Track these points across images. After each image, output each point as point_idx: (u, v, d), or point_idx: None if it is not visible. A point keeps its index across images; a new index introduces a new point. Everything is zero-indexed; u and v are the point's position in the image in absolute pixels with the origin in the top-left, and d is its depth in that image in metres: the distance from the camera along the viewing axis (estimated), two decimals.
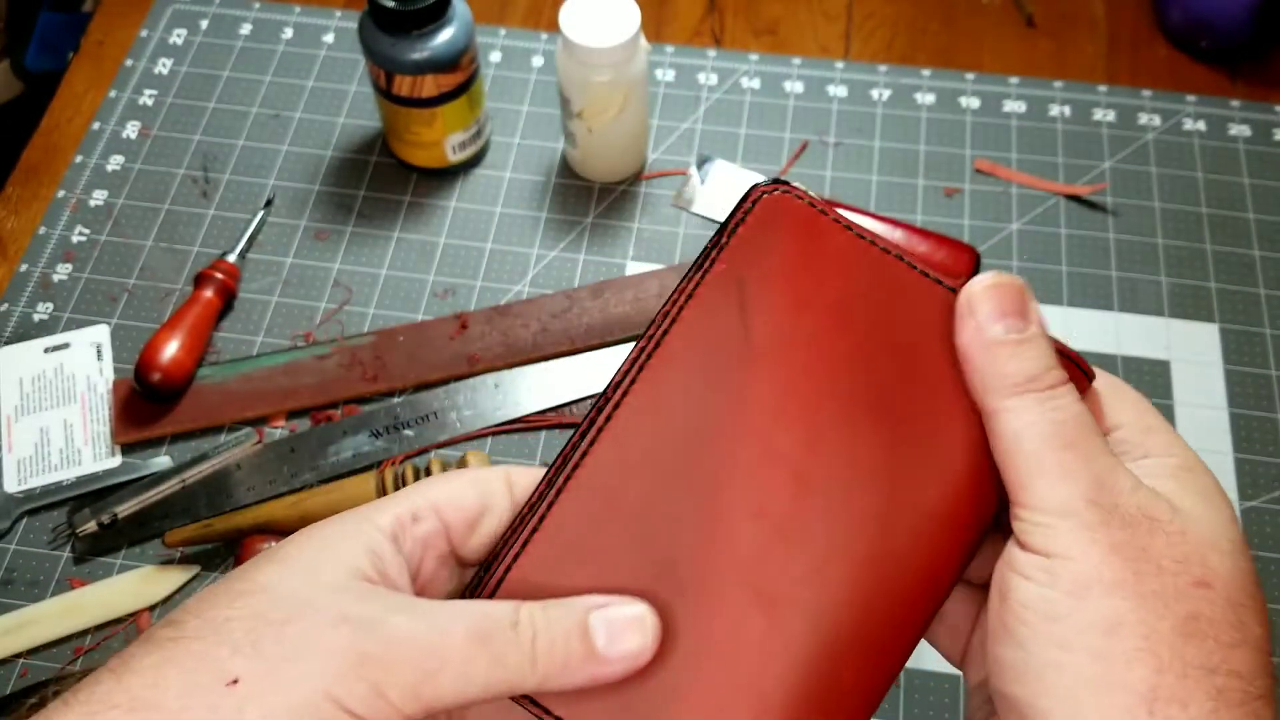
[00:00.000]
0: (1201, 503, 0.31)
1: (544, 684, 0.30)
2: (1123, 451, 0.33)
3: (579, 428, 0.33)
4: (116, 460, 0.67)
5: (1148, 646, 0.28)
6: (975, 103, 0.81)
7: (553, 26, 0.85)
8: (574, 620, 0.30)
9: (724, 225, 0.34)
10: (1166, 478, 0.31)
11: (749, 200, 0.34)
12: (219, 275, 0.71)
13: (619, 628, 0.30)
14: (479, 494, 0.33)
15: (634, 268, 0.74)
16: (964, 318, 0.32)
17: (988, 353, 0.32)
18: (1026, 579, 0.30)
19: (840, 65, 0.83)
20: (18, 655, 0.61)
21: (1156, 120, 0.80)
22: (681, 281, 0.34)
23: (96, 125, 0.80)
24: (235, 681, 0.27)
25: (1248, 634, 0.29)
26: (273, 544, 0.60)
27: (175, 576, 0.62)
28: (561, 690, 0.30)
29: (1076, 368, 0.33)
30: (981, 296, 0.32)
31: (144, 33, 0.85)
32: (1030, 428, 0.31)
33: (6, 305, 0.72)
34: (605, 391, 0.33)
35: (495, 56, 0.83)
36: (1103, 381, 0.34)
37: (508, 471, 0.34)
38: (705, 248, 0.34)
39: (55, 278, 0.73)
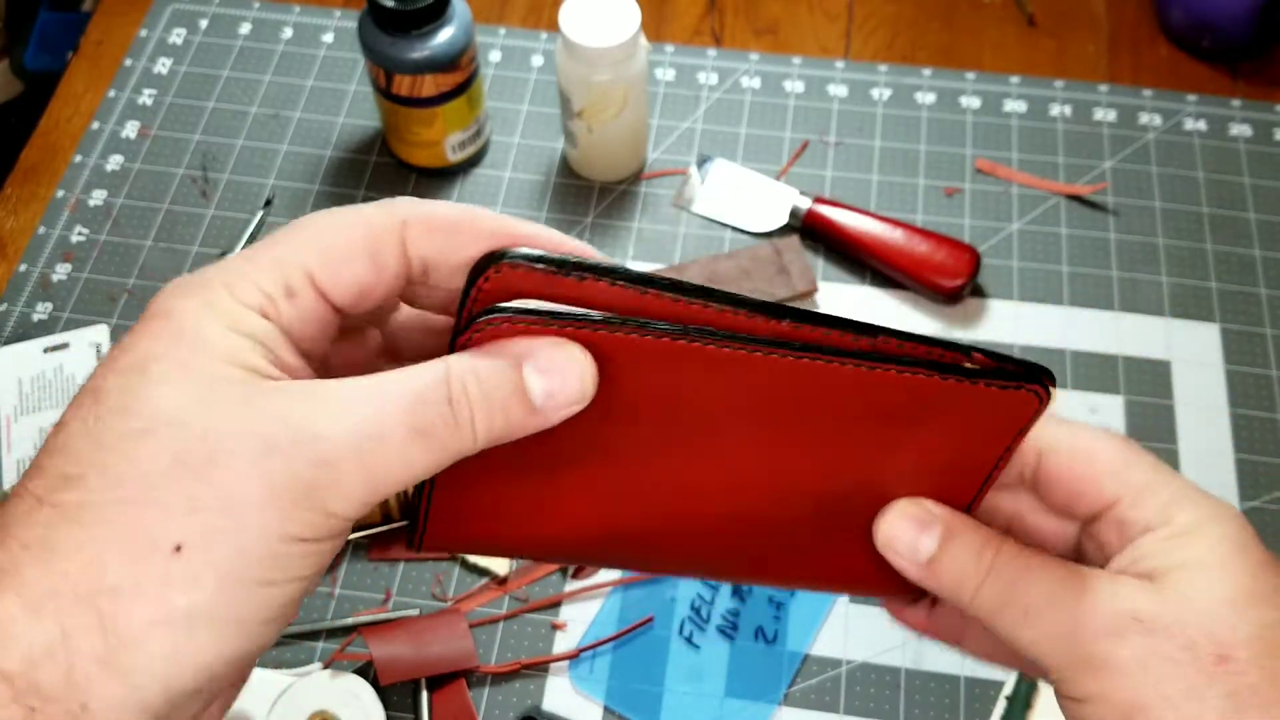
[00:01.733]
0: (1204, 566, 0.31)
1: (484, 447, 0.28)
2: (1131, 524, 0.33)
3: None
4: None
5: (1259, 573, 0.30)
6: (976, 102, 0.81)
7: (552, 26, 0.85)
8: (510, 383, 0.28)
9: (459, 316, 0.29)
10: (1172, 550, 0.32)
11: (464, 313, 0.28)
12: None
13: (556, 379, 0.28)
14: (368, 258, 0.29)
15: (634, 267, 0.74)
16: (893, 560, 0.34)
17: (925, 579, 0.33)
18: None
19: (840, 65, 0.83)
20: None
21: (1157, 120, 0.80)
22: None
23: (96, 125, 0.80)
24: (179, 549, 0.25)
25: None
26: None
27: None
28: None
29: (1030, 389, 0.32)
30: (890, 535, 0.34)
31: (143, 32, 0.85)
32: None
33: (6, 305, 0.72)
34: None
35: (495, 56, 0.83)
36: (1111, 447, 0.34)
37: (402, 218, 0.29)
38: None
39: (54, 278, 0.73)
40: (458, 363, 0.28)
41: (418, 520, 0.32)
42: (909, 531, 0.33)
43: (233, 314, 0.27)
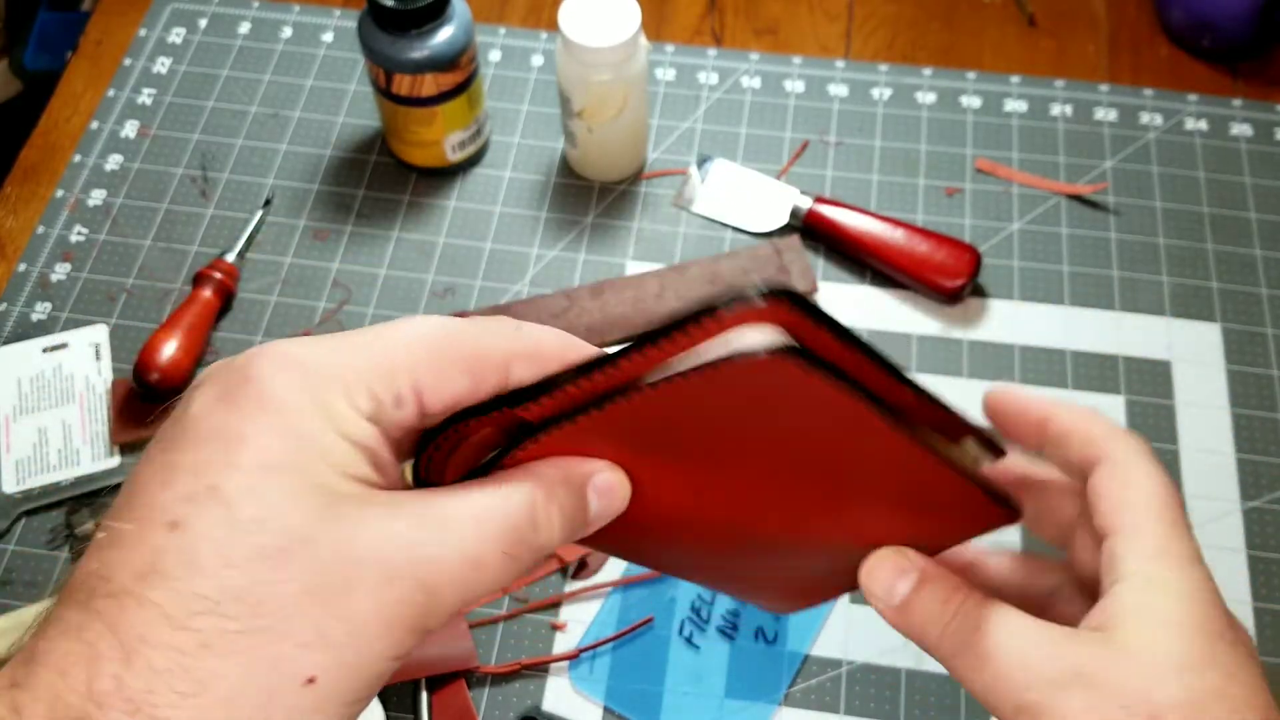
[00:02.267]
0: (1157, 623, 0.32)
1: None
2: (1115, 562, 0.34)
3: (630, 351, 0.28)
4: (115, 460, 0.67)
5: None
6: (976, 102, 0.81)
7: (552, 25, 0.85)
8: (582, 511, 0.31)
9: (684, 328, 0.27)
10: (1132, 602, 0.33)
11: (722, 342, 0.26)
12: (218, 275, 0.71)
13: (607, 500, 0.31)
14: (471, 380, 0.29)
15: (634, 267, 0.74)
16: (874, 603, 0.35)
17: (900, 621, 0.35)
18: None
19: (841, 64, 0.83)
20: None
21: (1158, 119, 0.80)
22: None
23: (95, 124, 0.80)
24: (311, 680, 0.25)
25: None
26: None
27: None
28: None
29: (995, 502, 0.33)
30: (868, 583, 0.36)
31: (143, 32, 0.84)
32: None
33: (5, 305, 0.72)
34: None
35: (495, 55, 0.83)
36: (1112, 476, 0.36)
37: (510, 351, 0.29)
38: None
39: (54, 277, 0.73)
40: (540, 492, 0.30)
41: None
42: (888, 576, 0.35)
43: (347, 419, 0.27)
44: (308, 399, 0.27)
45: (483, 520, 0.28)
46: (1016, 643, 0.33)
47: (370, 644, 0.26)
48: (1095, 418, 0.36)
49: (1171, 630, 0.32)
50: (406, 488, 0.30)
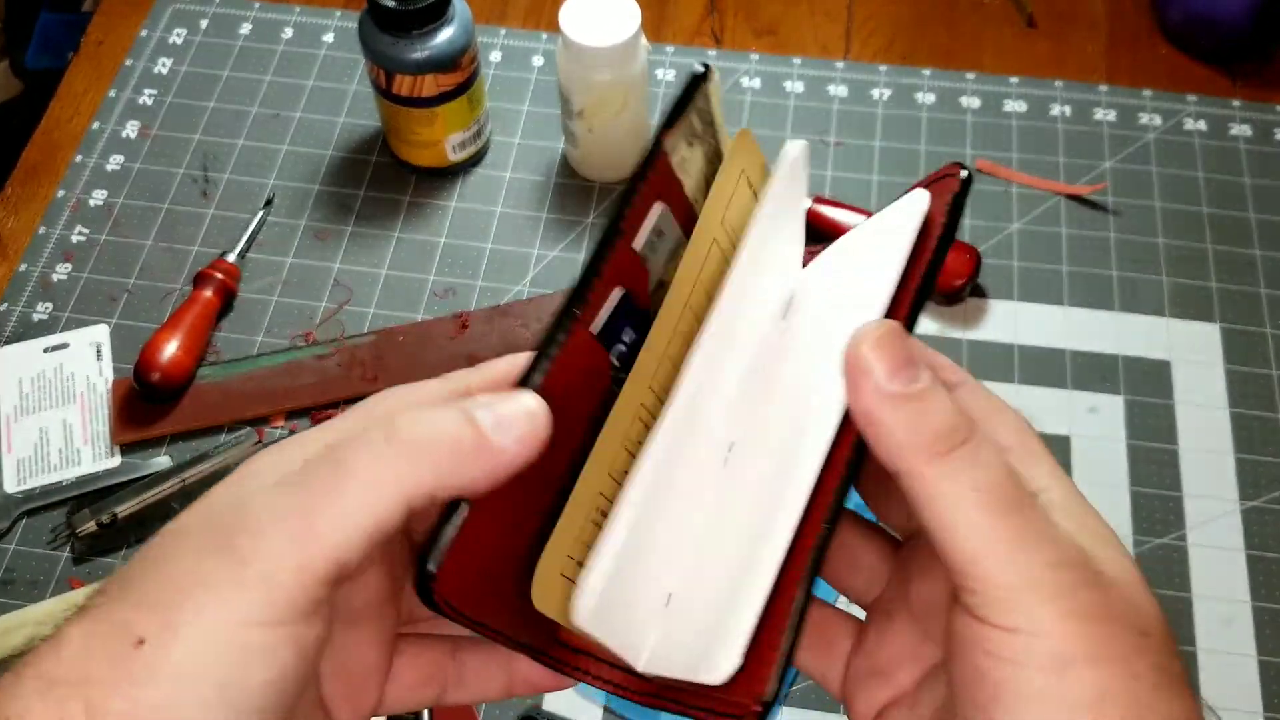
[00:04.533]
0: (1100, 540, 0.29)
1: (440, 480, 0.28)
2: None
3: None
4: (116, 460, 0.67)
5: (1135, 713, 0.27)
6: (976, 102, 0.81)
7: (553, 26, 0.85)
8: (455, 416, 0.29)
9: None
10: (1063, 518, 0.29)
11: None
12: (219, 275, 0.71)
13: (506, 419, 0.28)
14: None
15: None
16: (859, 379, 0.29)
17: (896, 412, 0.28)
18: (999, 659, 0.28)
19: (841, 65, 0.83)
20: (17, 655, 0.61)
21: (1157, 120, 0.80)
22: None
23: (96, 125, 0.80)
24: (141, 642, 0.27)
25: (1180, 664, 0.29)
26: None
27: None
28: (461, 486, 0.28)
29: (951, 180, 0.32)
30: (874, 354, 0.29)
31: (144, 32, 0.85)
32: (965, 497, 0.28)
33: (6, 305, 0.72)
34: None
35: (495, 56, 0.83)
36: (979, 399, 0.31)
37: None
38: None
39: (55, 277, 0.73)
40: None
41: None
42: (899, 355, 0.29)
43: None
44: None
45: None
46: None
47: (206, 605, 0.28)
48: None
49: (1116, 548, 0.29)
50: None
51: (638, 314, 0.32)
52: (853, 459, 0.30)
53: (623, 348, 0.32)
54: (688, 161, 0.34)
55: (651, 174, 0.32)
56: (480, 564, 0.29)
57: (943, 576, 0.30)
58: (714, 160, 0.35)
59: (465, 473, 0.28)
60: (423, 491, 0.28)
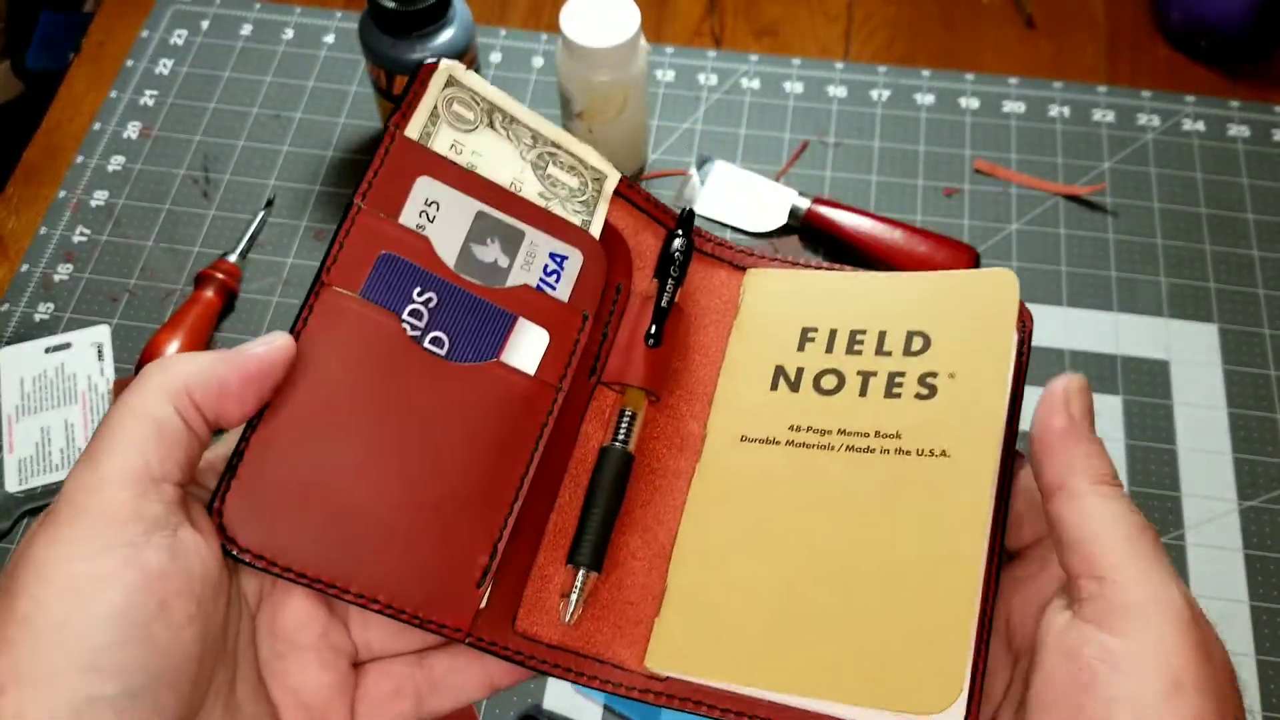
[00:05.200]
0: (1140, 656, 0.32)
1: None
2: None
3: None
4: None
5: None
6: (975, 103, 0.81)
7: (553, 27, 0.85)
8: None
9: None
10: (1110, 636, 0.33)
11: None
12: (220, 275, 0.71)
13: (252, 343, 0.35)
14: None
15: None
16: (1058, 408, 0.35)
17: (1080, 445, 0.35)
18: (1108, 664, 0.31)
19: (840, 66, 0.83)
20: None
21: (1156, 121, 0.80)
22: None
23: (97, 125, 0.80)
24: None
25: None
26: None
27: None
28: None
29: None
30: (1079, 394, 0.36)
31: (145, 33, 0.85)
32: (1117, 519, 0.33)
33: (7, 305, 0.73)
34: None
35: (495, 57, 0.84)
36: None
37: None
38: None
39: (56, 278, 0.74)
40: None
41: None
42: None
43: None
44: None
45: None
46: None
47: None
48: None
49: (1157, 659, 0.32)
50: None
51: (429, 278, 0.38)
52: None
53: (417, 306, 0.38)
54: (462, 145, 0.40)
55: (391, 155, 0.39)
56: (287, 500, 0.35)
57: (1036, 589, 0.36)
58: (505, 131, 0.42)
59: (216, 371, 0.34)
60: (176, 385, 0.33)
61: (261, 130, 0.80)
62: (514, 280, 0.40)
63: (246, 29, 0.85)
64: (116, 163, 0.78)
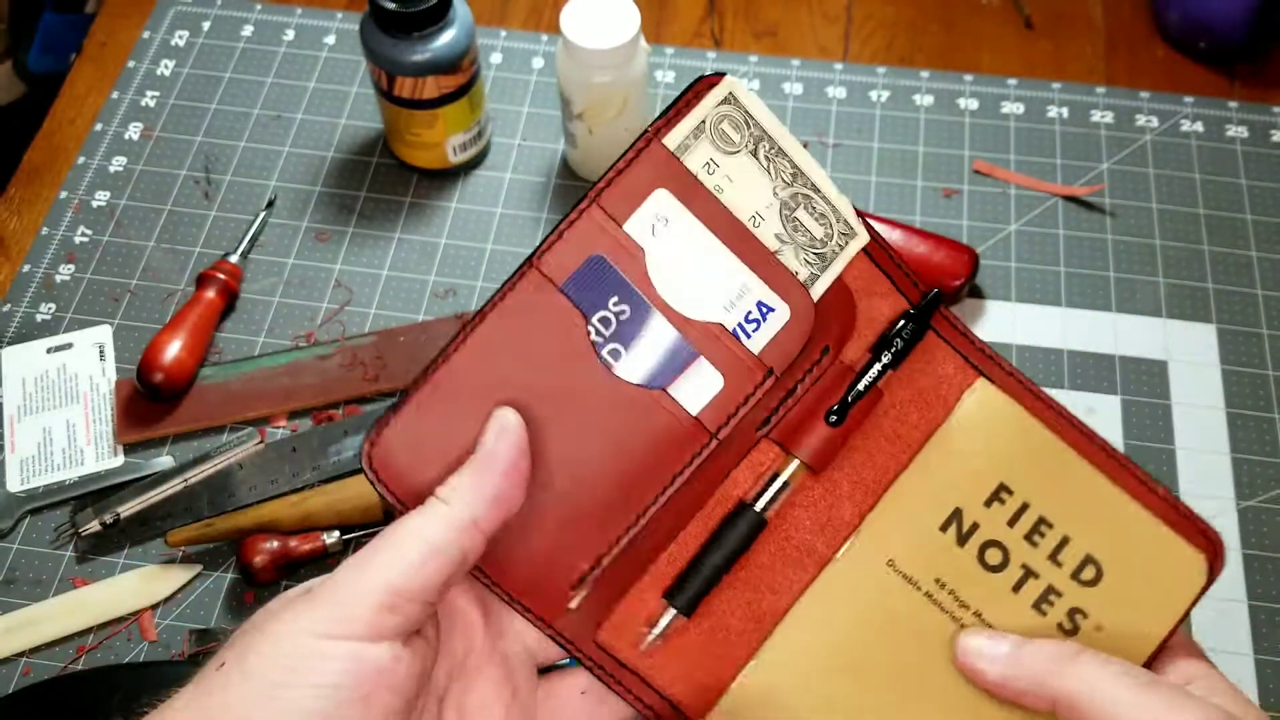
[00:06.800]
0: (1240, 704, 0.35)
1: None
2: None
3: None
4: (119, 460, 0.67)
5: None
6: (974, 104, 0.81)
7: (553, 28, 0.85)
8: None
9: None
10: (1207, 693, 0.36)
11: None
12: (221, 276, 0.71)
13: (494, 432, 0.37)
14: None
15: None
16: (981, 665, 0.37)
17: (1019, 651, 0.37)
18: None
19: (839, 67, 0.83)
20: (20, 654, 0.61)
21: (1154, 121, 0.81)
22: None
23: (99, 126, 0.80)
24: None
25: None
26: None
27: (177, 576, 0.63)
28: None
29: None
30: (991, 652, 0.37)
31: (146, 34, 0.85)
32: (1113, 679, 0.34)
33: (9, 306, 0.73)
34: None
35: (496, 58, 0.84)
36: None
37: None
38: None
39: (58, 278, 0.74)
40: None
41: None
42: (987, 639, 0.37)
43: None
44: None
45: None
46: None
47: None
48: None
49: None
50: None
51: (630, 291, 0.38)
52: None
53: (608, 314, 0.38)
54: (716, 166, 0.39)
55: (641, 160, 0.40)
56: (433, 453, 0.37)
57: None
58: (769, 161, 0.41)
59: (481, 492, 0.35)
60: (464, 519, 0.35)
61: (262, 131, 0.80)
62: (712, 316, 0.39)
63: (248, 30, 0.85)
64: (118, 163, 0.79)
